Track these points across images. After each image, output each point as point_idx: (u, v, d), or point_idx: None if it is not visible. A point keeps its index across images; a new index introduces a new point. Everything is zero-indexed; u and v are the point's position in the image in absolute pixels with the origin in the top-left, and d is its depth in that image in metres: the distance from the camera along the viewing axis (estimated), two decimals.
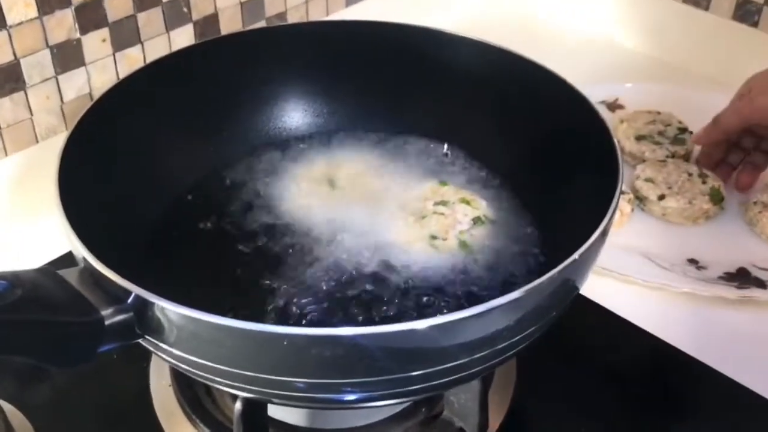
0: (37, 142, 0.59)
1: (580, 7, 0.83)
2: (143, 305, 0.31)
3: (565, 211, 0.44)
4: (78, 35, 0.57)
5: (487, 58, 0.49)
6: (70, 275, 0.33)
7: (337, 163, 0.51)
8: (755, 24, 0.71)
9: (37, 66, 0.56)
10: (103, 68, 0.60)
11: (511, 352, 0.34)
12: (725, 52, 0.73)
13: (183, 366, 0.33)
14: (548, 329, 0.36)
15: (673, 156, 0.62)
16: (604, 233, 0.35)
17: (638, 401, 0.45)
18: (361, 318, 0.40)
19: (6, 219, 0.57)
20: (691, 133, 0.63)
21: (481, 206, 0.47)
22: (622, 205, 0.57)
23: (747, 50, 0.70)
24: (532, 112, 0.48)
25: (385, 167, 0.51)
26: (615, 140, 0.40)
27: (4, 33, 0.53)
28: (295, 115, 0.54)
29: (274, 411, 0.41)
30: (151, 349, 0.34)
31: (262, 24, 0.69)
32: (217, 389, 0.42)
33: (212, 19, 0.65)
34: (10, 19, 0.53)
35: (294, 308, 0.41)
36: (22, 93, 0.57)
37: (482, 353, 0.32)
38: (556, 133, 0.46)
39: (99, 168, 0.42)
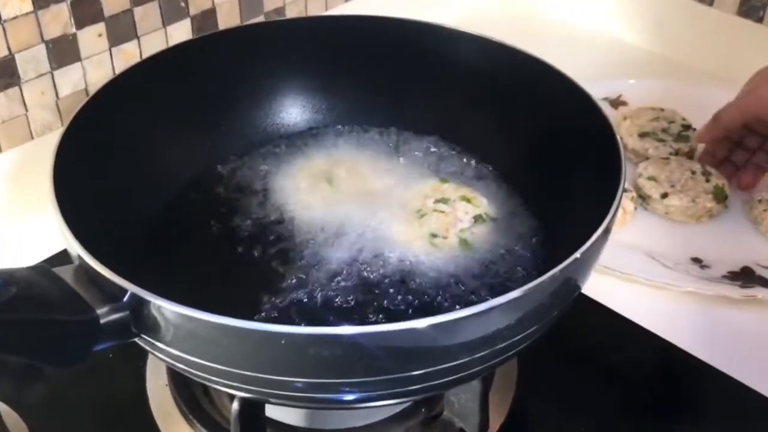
0: (32, 138, 0.59)
1: (582, 2, 0.82)
2: (139, 303, 0.31)
3: (567, 208, 0.44)
4: (74, 30, 0.57)
5: (488, 53, 0.49)
6: (65, 273, 0.32)
7: (336, 160, 0.51)
8: (760, 19, 0.71)
9: (32, 61, 0.56)
10: (99, 63, 0.60)
11: (512, 352, 0.34)
12: (730, 48, 0.72)
13: (180, 365, 0.33)
14: (550, 329, 0.35)
15: (676, 153, 0.61)
16: (607, 231, 0.35)
17: (641, 402, 0.45)
18: (360, 317, 0.40)
19: (0, 216, 0.57)
20: (694, 129, 0.63)
21: (482, 204, 0.47)
22: (625, 203, 0.56)
23: (752, 46, 0.70)
24: (533, 109, 0.47)
25: (384, 164, 0.51)
26: (618, 137, 0.40)
27: None
28: (293, 111, 0.53)
29: (272, 411, 0.41)
30: (147, 348, 0.33)
31: (260, 19, 0.69)
32: (215, 389, 0.42)
33: (210, 14, 0.65)
34: (5, 13, 0.53)
35: (292, 306, 0.41)
36: (16, 88, 0.56)
37: (482, 353, 0.32)
38: (558, 129, 0.46)
39: (95, 164, 0.42)
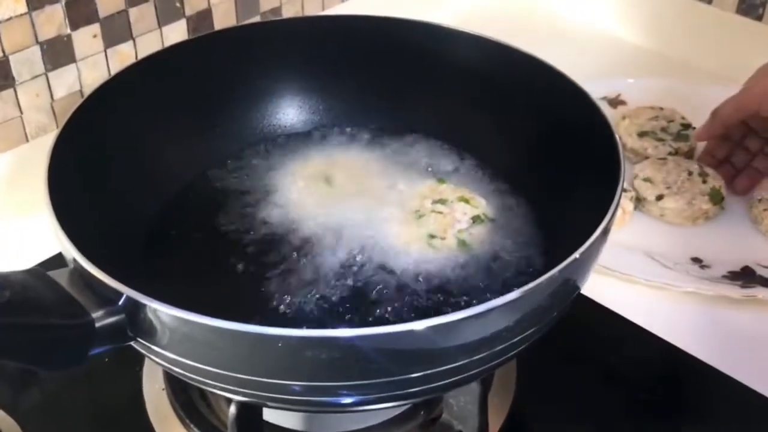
0: (27, 140, 0.59)
1: (581, 0, 0.82)
2: (135, 307, 0.31)
3: (565, 209, 0.43)
4: (68, 31, 0.57)
5: (487, 53, 0.48)
6: (60, 276, 0.32)
7: (334, 161, 0.51)
8: (759, 18, 0.71)
9: (26, 63, 0.56)
10: (94, 65, 0.59)
11: (511, 354, 0.34)
12: (729, 47, 0.72)
13: (176, 369, 0.33)
14: (549, 330, 0.35)
15: (676, 153, 0.61)
16: (606, 232, 0.35)
17: (641, 403, 0.45)
18: (357, 319, 0.40)
19: None
20: (694, 129, 0.62)
21: (481, 205, 0.47)
22: (624, 203, 0.56)
23: (751, 44, 0.69)
24: (532, 108, 0.47)
25: (382, 165, 0.50)
26: (616, 137, 0.40)
27: None
28: (290, 112, 0.53)
29: (270, 415, 0.40)
30: (143, 351, 0.33)
31: (256, 19, 0.68)
32: (212, 393, 0.42)
33: (206, 15, 0.65)
34: None
35: (289, 309, 0.40)
36: (11, 90, 0.56)
37: (481, 354, 0.32)
38: (556, 129, 0.46)
39: (90, 167, 0.42)
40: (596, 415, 0.44)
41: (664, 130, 0.63)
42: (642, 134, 0.63)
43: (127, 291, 0.30)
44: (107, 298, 0.31)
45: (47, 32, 0.56)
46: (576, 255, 0.32)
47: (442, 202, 0.47)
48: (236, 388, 0.32)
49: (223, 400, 0.42)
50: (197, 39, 0.51)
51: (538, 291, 0.31)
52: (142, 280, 0.32)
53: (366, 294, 0.41)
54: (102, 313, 0.31)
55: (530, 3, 0.84)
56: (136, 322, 0.31)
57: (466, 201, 0.47)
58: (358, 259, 0.43)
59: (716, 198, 0.56)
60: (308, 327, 0.39)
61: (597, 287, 0.48)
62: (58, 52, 0.57)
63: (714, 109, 0.57)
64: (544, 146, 0.47)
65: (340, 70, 0.52)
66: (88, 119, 0.42)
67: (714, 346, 0.48)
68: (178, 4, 0.62)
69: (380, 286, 0.42)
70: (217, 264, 0.44)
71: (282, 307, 0.40)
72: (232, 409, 0.36)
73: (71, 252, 0.32)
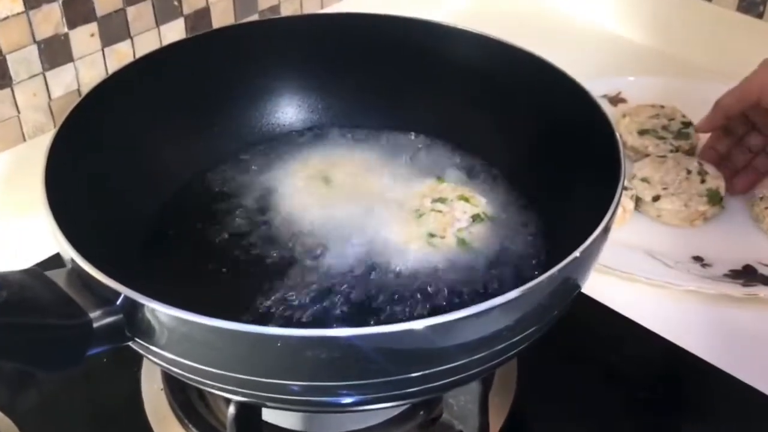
0: (25, 140, 0.59)
1: None
2: (133, 307, 0.30)
3: (566, 207, 0.43)
4: (66, 30, 0.57)
5: (487, 51, 0.48)
6: (57, 276, 0.32)
7: (333, 160, 0.51)
8: (760, 15, 0.71)
9: (23, 62, 0.55)
10: (92, 64, 0.59)
11: (512, 353, 0.34)
12: (730, 44, 0.72)
13: (174, 369, 0.33)
14: (549, 329, 0.35)
15: (677, 150, 0.61)
16: (606, 230, 0.35)
17: (642, 402, 0.45)
18: (357, 318, 0.40)
19: None
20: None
21: (481, 203, 0.47)
22: (625, 201, 0.56)
23: (752, 42, 0.69)
24: (532, 107, 0.47)
25: (381, 164, 0.50)
26: (617, 135, 0.40)
27: None
28: (289, 111, 0.53)
29: (269, 415, 0.40)
30: (141, 352, 0.33)
31: (254, 17, 0.68)
32: (210, 393, 0.42)
33: (204, 13, 0.65)
34: None
35: (288, 309, 0.40)
36: (8, 90, 0.56)
37: (481, 354, 0.32)
38: (556, 127, 0.45)
39: (88, 166, 0.41)
40: (597, 414, 0.44)
41: (664, 128, 0.63)
42: (642, 132, 0.62)
43: (124, 291, 0.30)
44: (105, 298, 0.31)
45: (44, 31, 0.56)
46: (576, 253, 0.32)
47: (442, 200, 0.47)
48: (235, 388, 0.32)
49: (221, 401, 0.42)
50: (195, 38, 0.51)
51: (539, 290, 0.31)
52: (140, 280, 0.32)
53: (365, 293, 0.41)
54: (100, 313, 0.31)
55: (530, 1, 0.84)
56: (134, 322, 0.31)
57: (466, 200, 0.47)
58: (357, 258, 0.43)
59: (714, 199, 0.55)
60: (307, 327, 0.38)
61: (598, 286, 0.48)
62: (55, 51, 0.57)
63: (717, 100, 0.57)
64: (544, 144, 0.46)
65: (339, 68, 0.52)
66: (86, 119, 0.41)
67: (715, 344, 0.48)
68: (176, 3, 0.62)
69: (380, 286, 0.41)
70: (216, 264, 0.43)
71: (281, 306, 0.40)
72: (231, 409, 0.36)
73: (69, 252, 0.32)
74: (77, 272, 0.32)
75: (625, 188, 0.37)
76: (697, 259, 0.54)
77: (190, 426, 0.41)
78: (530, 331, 0.33)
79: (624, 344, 0.48)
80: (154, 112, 0.47)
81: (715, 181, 0.57)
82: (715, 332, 0.49)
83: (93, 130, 0.42)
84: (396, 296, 0.41)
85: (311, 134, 0.53)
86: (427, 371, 0.31)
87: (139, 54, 0.53)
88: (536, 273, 0.35)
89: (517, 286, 0.30)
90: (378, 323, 0.39)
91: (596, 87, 0.47)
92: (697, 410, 0.45)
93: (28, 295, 0.30)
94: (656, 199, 0.56)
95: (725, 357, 0.46)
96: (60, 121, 0.40)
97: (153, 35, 0.62)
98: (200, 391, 0.42)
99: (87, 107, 0.42)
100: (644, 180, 0.57)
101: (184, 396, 0.42)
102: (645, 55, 0.77)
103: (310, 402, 0.33)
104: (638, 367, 0.47)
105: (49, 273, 0.32)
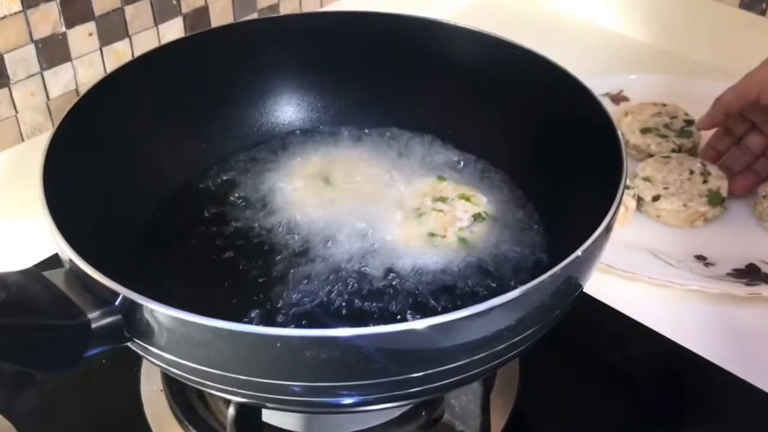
0: (23, 140, 0.58)
1: None
2: (132, 307, 0.30)
3: (568, 206, 0.43)
4: (63, 29, 0.56)
5: (488, 49, 0.48)
6: (55, 277, 0.32)
7: (333, 159, 0.50)
8: (762, 12, 0.70)
9: (21, 61, 0.55)
10: (90, 63, 0.59)
11: (513, 353, 0.33)
12: (732, 42, 0.72)
13: (174, 370, 0.32)
14: (551, 329, 0.35)
15: (679, 149, 0.60)
16: (608, 229, 0.34)
17: (646, 402, 0.44)
18: (357, 318, 0.39)
19: None
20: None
21: (482, 202, 0.46)
22: (627, 200, 0.55)
23: (754, 39, 0.69)
24: (533, 105, 0.47)
25: (382, 163, 0.50)
26: (619, 133, 0.39)
27: None
28: (288, 110, 0.53)
29: (269, 416, 0.40)
30: (140, 353, 0.33)
31: (253, 16, 0.68)
32: (210, 394, 0.41)
33: (202, 12, 0.64)
34: None
35: (288, 309, 0.40)
36: (6, 90, 0.56)
37: (483, 354, 0.32)
38: (558, 126, 0.45)
39: (86, 166, 0.41)
40: (600, 414, 0.44)
41: (667, 126, 0.62)
42: (645, 131, 0.62)
43: (123, 291, 0.30)
44: (103, 298, 0.31)
45: (42, 31, 0.55)
46: (578, 252, 0.32)
47: (443, 200, 0.46)
48: (235, 389, 0.32)
49: (221, 401, 0.42)
50: (194, 37, 0.51)
51: (540, 289, 0.31)
52: (138, 280, 0.32)
53: (366, 293, 0.41)
54: (98, 314, 0.30)
55: None
56: (132, 323, 0.31)
57: (467, 199, 0.46)
58: (357, 258, 0.43)
59: (714, 200, 0.55)
60: (308, 327, 0.38)
61: (600, 285, 0.48)
62: (53, 51, 0.57)
63: (717, 97, 0.57)
64: (546, 143, 0.46)
65: (339, 67, 0.52)
66: (84, 118, 0.41)
67: (718, 344, 0.47)
68: (174, 2, 0.62)
69: (380, 285, 0.41)
70: (215, 264, 0.43)
71: (281, 307, 0.40)
72: (231, 410, 0.36)
73: (67, 252, 0.32)
74: (76, 273, 0.32)
75: (627, 187, 0.37)
76: (700, 258, 0.53)
77: (190, 427, 0.41)
78: (532, 330, 0.33)
79: (626, 344, 0.48)
80: (153, 111, 0.46)
81: (718, 181, 0.56)
82: (718, 331, 0.49)
83: (91, 130, 0.42)
84: (396, 296, 0.41)
85: (310, 133, 0.52)
86: (428, 371, 0.31)
87: (138, 53, 0.53)
88: (538, 272, 0.35)
89: (518, 286, 0.30)
90: (379, 323, 0.39)
91: (598, 85, 0.47)
92: (701, 409, 0.44)
93: (26, 295, 0.30)
94: (656, 198, 0.55)
95: (728, 356, 0.46)
96: (58, 120, 0.40)
97: (151, 34, 0.62)
98: (200, 392, 0.42)
99: (85, 107, 0.41)
100: (646, 179, 0.57)
101: (183, 397, 0.42)
102: (647, 52, 0.77)
103: (311, 403, 0.33)
104: (641, 367, 0.47)
105: (47, 273, 0.32)
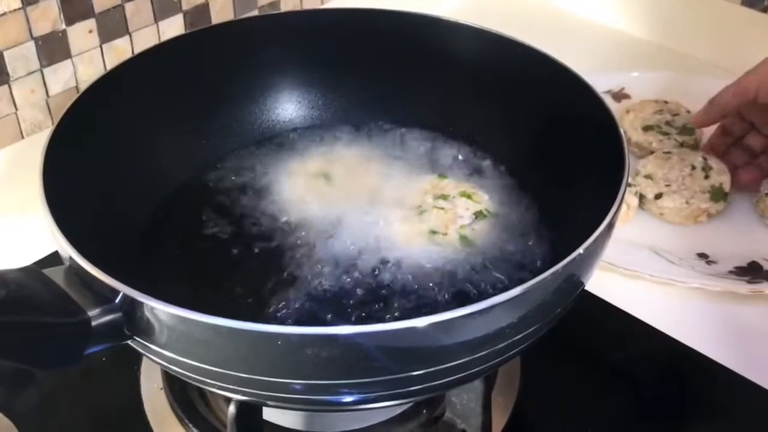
0: (23, 137, 0.58)
1: None
2: (132, 305, 0.30)
3: (569, 204, 0.43)
4: (63, 26, 0.56)
5: (489, 46, 0.48)
6: (55, 274, 0.32)
7: (333, 157, 0.50)
8: (764, 9, 0.70)
9: (21, 59, 0.55)
10: (90, 60, 0.59)
11: (515, 351, 0.33)
12: (734, 39, 0.72)
13: (174, 368, 0.32)
14: (553, 327, 0.35)
15: (681, 146, 0.60)
16: (610, 226, 0.34)
17: (647, 400, 0.44)
18: (359, 316, 0.39)
19: None
20: None
21: (483, 200, 0.46)
22: (629, 198, 0.55)
23: (756, 36, 0.69)
24: (535, 102, 0.46)
25: (382, 160, 0.50)
26: (621, 131, 0.39)
27: None
28: (289, 107, 0.52)
29: (270, 414, 0.40)
30: (141, 350, 0.33)
31: (254, 13, 0.68)
32: (211, 392, 0.41)
33: (203, 9, 0.64)
34: None
35: (289, 307, 0.40)
36: (6, 87, 0.55)
37: (484, 352, 0.31)
38: (560, 123, 0.45)
39: (86, 164, 0.41)
40: (602, 412, 0.43)
41: (668, 123, 0.62)
42: (646, 128, 0.62)
43: (123, 289, 0.30)
44: (104, 296, 0.31)
45: (42, 27, 0.55)
46: (580, 250, 0.32)
47: (444, 197, 0.46)
48: (235, 387, 0.32)
49: (222, 399, 0.42)
50: (194, 34, 0.51)
51: (542, 287, 0.31)
52: (139, 277, 0.32)
53: (367, 291, 0.41)
54: (98, 312, 0.30)
55: None
56: (133, 321, 0.31)
57: (468, 196, 0.46)
58: (358, 256, 0.43)
59: (717, 196, 0.55)
60: (309, 325, 0.38)
61: (601, 283, 0.47)
62: (53, 48, 0.56)
63: (712, 97, 0.56)
64: (547, 140, 0.46)
65: (340, 64, 0.51)
66: (84, 116, 0.41)
67: (720, 342, 0.47)
68: None
69: (381, 283, 0.41)
70: (215, 262, 0.43)
71: (282, 304, 0.40)
72: (232, 408, 0.36)
73: (67, 250, 0.32)
74: (76, 270, 0.32)
75: (629, 185, 0.37)
76: (702, 255, 0.53)
77: (190, 425, 0.41)
78: (533, 328, 0.33)
79: (628, 342, 0.48)
80: (153, 108, 0.46)
81: (720, 176, 0.56)
82: (720, 329, 0.49)
83: (91, 127, 0.42)
84: (398, 294, 0.41)
85: (311, 131, 0.52)
86: (429, 369, 0.31)
87: (138, 50, 0.52)
88: (539, 270, 0.35)
89: (520, 284, 0.30)
90: (380, 321, 0.39)
91: (599, 82, 0.46)
92: (702, 407, 0.44)
93: (26, 293, 0.30)
94: (658, 196, 0.55)
95: (730, 354, 0.46)
96: (58, 118, 0.40)
97: (152, 31, 0.61)
98: (200, 390, 0.42)
99: (85, 104, 0.41)
100: (648, 177, 0.57)
101: (184, 395, 0.42)
102: (648, 50, 0.77)
103: (312, 401, 0.33)
104: (642, 365, 0.47)
105: (47, 271, 0.32)
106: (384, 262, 0.42)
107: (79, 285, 0.31)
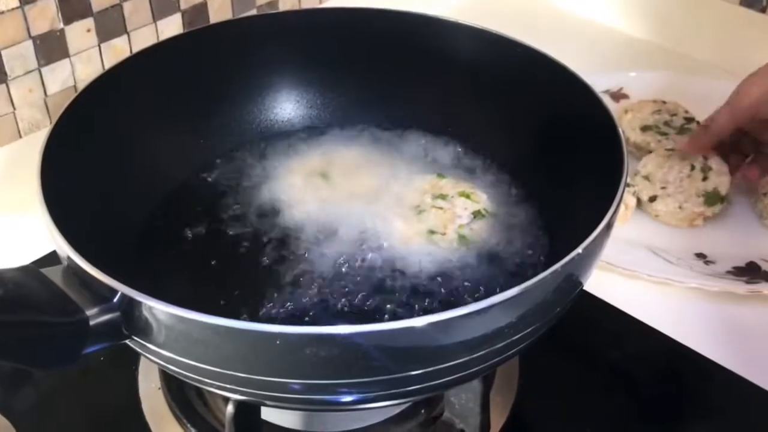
0: (21, 137, 0.58)
1: None
2: (130, 304, 0.30)
3: (568, 203, 0.43)
4: (61, 25, 0.56)
5: (487, 46, 0.48)
6: (54, 274, 0.32)
7: (332, 157, 0.50)
8: (763, 10, 0.70)
9: (19, 58, 0.55)
10: (88, 59, 0.59)
11: (513, 351, 0.33)
12: (732, 39, 0.72)
13: (172, 368, 0.32)
14: (551, 327, 0.35)
15: None
16: (609, 226, 0.34)
17: (645, 400, 0.44)
18: (357, 316, 0.39)
19: None
20: (698, 122, 0.61)
21: (482, 199, 0.46)
22: (627, 198, 0.55)
23: (755, 36, 0.69)
24: (533, 102, 0.46)
25: (381, 160, 0.50)
26: (620, 131, 0.39)
27: None
28: (287, 107, 0.52)
29: (268, 413, 0.40)
30: (139, 350, 0.33)
31: (252, 12, 0.68)
32: (209, 391, 0.41)
33: (201, 8, 0.64)
34: None
35: (287, 306, 0.40)
36: (3, 86, 0.55)
37: (483, 352, 0.31)
38: (558, 123, 0.45)
39: (84, 163, 0.41)
40: (600, 412, 0.43)
41: (667, 123, 0.62)
42: (645, 128, 0.62)
43: (121, 288, 0.30)
44: (102, 295, 0.30)
45: (40, 27, 0.55)
46: (579, 250, 0.32)
47: (443, 197, 0.46)
48: (234, 387, 0.32)
49: (220, 399, 0.42)
50: (192, 33, 0.51)
51: (541, 287, 0.31)
52: (137, 277, 0.32)
53: (366, 290, 0.41)
54: (96, 311, 0.30)
55: None
56: (131, 320, 0.31)
57: (467, 196, 0.46)
58: (357, 256, 0.43)
59: (711, 200, 0.54)
60: (307, 324, 0.38)
61: (600, 283, 0.47)
62: (51, 47, 0.56)
63: (705, 121, 0.55)
64: (546, 140, 0.46)
65: (338, 63, 0.51)
66: (82, 115, 0.41)
67: (718, 342, 0.47)
68: None
69: (380, 283, 0.41)
70: (214, 261, 0.43)
71: (280, 304, 0.40)
72: (230, 408, 0.36)
73: (65, 249, 0.32)
74: (73, 270, 0.31)
75: (627, 185, 0.37)
76: (700, 256, 0.53)
77: (188, 425, 0.41)
78: (532, 328, 0.33)
79: (626, 341, 0.48)
80: (151, 108, 0.46)
81: (719, 178, 0.56)
82: (718, 329, 0.49)
83: (89, 127, 0.42)
84: (396, 293, 0.41)
85: (309, 130, 0.52)
86: (427, 369, 0.31)
87: (136, 49, 0.52)
88: (538, 270, 0.35)
89: (518, 283, 0.30)
90: (378, 320, 0.39)
91: (598, 82, 0.46)
92: (700, 407, 0.44)
93: (24, 292, 0.30)
94: (653, 199, 0.55)
95: (728, 354, 0.46)
96: (56, 117, 0.40)
97: (150, 31, 0.61)
98: (198, 389, 0.42)
99: (83, 103, 0.41)
100: (646, 178, 0.56)
101: (182, 395, 0.42)
102: (647, 50, 0.77)
103: (310, 400, 0.33)
104: (640, 365, 0.47)
105: (45, 270, 0.32)
106: (382, 261, 0.42)
107: (77, 284, 0.31)
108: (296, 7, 0.71)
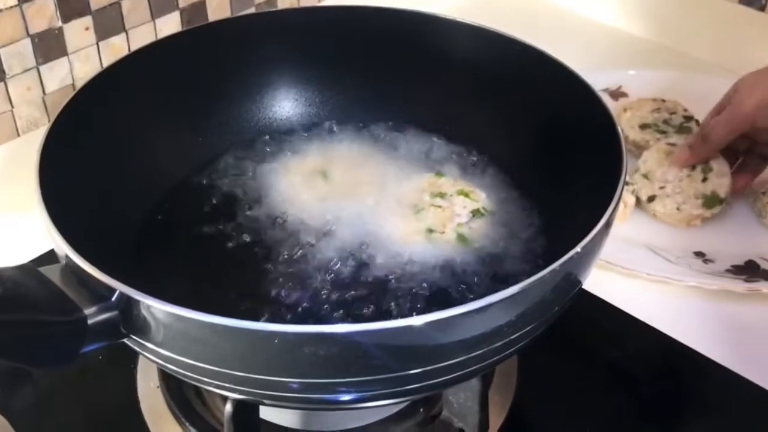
0: (19, 135, 0.58)
1: None
2: (128, 303, 0.30)
3: (567, 202, 0.43)
4: (60, 23, 0.56)
5: (487, 44, 0.48)
6: (52, 273, 0.32)
7: (331, 155, 0.50)
8: (762, 8, 0.70)
9: (17, 56, 0.55)
10: (87, 58, 0.59)
11: (512, 350, 0.33)
12: (731, 37, 0.72)
13: (171, 366, 0.32)
14: (550, 325, 0.35)
15: None
16: (608, 225, 0.34)
17: (644, 398, 0.44)
18: (355, 314, 0.39)
19: None
20: (697, 121, 0.61)
21: (481, 198, 0.46)
22: (626, 196, 0.55)
23: (753, 35, 0.69)
24: (532, 100, 0.46)
25: (380, 159, 0.50)
26: (619, 129, 0.39)
27: None
28: (286, 105, 0.52)
29: (267, 412, 0.40)
30: (137, 349, 0.33)
31: (251, 10, 0.68)
32: (207, 390, 0.41)
33: (200, 6, 0.64)
34: None
35: (286, 305, 0.40)
36: (2, 84, 0.55)
37: (481, 350, 0.31)
38: (557, 121, 0.45)
39: (82, 161, 0.41)
40: (598, 411, 0.43)
41: (666, 122, 0.62)
42: (644, 126, 0.62)
43: (120, 287, 0.30)
44: (100, 294, 0.30)
45: (38, 25, 0.55)
46: (578, 249, 0.32)
47: (441, 195, 0.46)
48: (232, 386, 0.32)
49: (218, 398, 0.42)
50: (191, 31, 0.51)
51: (539, 285, 0.31)
52: (135, 276, 0.32)
53: (364, 289, 0.41)
54: (95, 310, 0.30)
55: None
56: (129, 319, 0.31)
57: (466, 194, 0.46)
58: (355, 254, 0.43)
59: (710, 203, 0.54)
60: (306, 323, 0.38)
61: (598, 281, 0.47)
62: (49, 45, 0.56)
63: (703, 132, 0.55)
64: (545, 138, 0.46)
65: (337, 62, 0.51)
66: (81, 113, 0.41)
67: (717, 340, 0.47)
68: None
69: (378, 282, 0.41)
70: (212, 260, 0.43)
71: (279, 303, 0.40)
72: (228, 407, 0.36)
73: (63, 248, 0.32)
74: (72, 268, 0.31)
75: (626, 183, 0.37)
76: (699, 254, 0.53)
77: (187, 424, 0.41)
78: (531, 327, 0.33)
79: (625, 340, 0.48)
80: (150, 106, 0.46)
81: (719, 179, 0.55)
82: (717, 328, 0.49)
83: (88, 125, 0.42)
84: (395, 292, 0.41)
85: (308, 128, 0.52)
86: (426, 368, 0.31)
87: (135, 48, 0.52)
88: (537, 268, 0.35)
89: (517, 282, 0.30)
90: (377, 319, 0.39)
91: (597, 80, 0.46)
92: (699, 406, 0.44)
93: (22, 291, 0.30)
94: (651, 199, 0.55)
95: (727, 353, 0.46)
96: (54, 115, 0.40)
97: (148, 29, 0.61)
98: (197, 388, 0.42)
99: (81, 101, 0.41)
100: (645, 176, 0.56)
101: (180, 394, 0.42)
102: (646, 48, 0.77)
103: (308, 399, 0.33)
104: (639, 364, 0.47)
105: (43, 269, 0.32)
106: (381, 260, 0.42)
107: (75, 283, 0.31)
108: (295, 5, 0.71)
